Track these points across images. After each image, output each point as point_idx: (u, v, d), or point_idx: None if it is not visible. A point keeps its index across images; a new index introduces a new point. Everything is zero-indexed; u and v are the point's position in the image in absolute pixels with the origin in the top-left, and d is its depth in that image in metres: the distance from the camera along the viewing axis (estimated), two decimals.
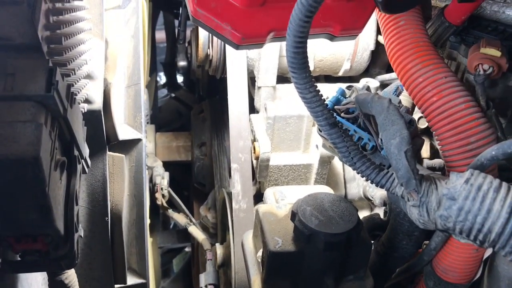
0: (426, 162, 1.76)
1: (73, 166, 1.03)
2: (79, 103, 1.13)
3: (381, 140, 1.02)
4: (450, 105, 1.06)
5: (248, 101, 1.93)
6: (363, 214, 1.91)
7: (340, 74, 2.08)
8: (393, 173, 1.01)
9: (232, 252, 1.90)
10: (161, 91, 3.92)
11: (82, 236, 1.08)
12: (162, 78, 4.05)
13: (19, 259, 1.00)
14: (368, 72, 2.15)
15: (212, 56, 2.04)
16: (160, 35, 3.44)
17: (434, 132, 1.11)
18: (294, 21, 0.86)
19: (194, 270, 2.98)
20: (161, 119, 3.53)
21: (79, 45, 1.17)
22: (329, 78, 2.19)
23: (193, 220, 2.62)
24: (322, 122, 0.99)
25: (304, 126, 1.88)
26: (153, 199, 2.57)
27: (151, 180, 2.59)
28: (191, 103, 3.42)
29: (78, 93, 1.13)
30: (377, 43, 2.00)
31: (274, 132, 1.87)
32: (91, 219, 1.38)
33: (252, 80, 2.04)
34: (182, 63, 2.86)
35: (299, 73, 0.93)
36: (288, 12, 0.88)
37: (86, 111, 1.20)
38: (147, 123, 2.65)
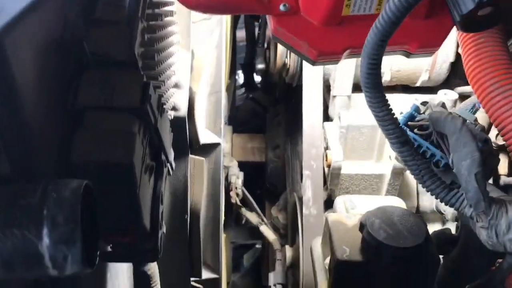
0: (504, 179, 1.71)
1: (160, 169, 1.14)
2: (167, 111, 1.23)
3: (452, 160, 1.03)
4: None
5: (323, 109, 1.97)
6: (435, 227, 1.89)
7: (418, 84, 2.06)
8: (463, 193, 1.01)
9: (301, 255, 1.95)
10: (239, 90, 4.03)
11: (165, 232, 1.18)
12: (240, 77, 4.14)
13: (109, 250, 1.12)
14: (448, 82, 2.11)
15: (289, 65, 2.10)
16: (240, 33, 3.51)
17: (511, 153, 1.09)
18: (369, 44, 0.90)
19: (264, 268, 3.07)
20: (238, 118, 3.64)
21: (169, 58, 1.27)
22: (408, 88, 2.17)
23: (265, 219, 2.70)
24: (393, 140, 1.01)
25: (378, 136, 1.89)
26: (227, 197, 2.68)
27: (226, 179, 2.69)
28: (267, 104, 3.50)
29: (167, 102, 1.24)
30: (458, 54, 1.96)
31: (347, 141, 1.90)
32: (172, 216, 1.49)
33: (327, 88, 2.08)
34: (260, 65, 2.93)
35: (373, 92, 0.96)
36: (364, 30, 0.91)
37: (172, 117, 1.31)
38: (225, 124, 2.76)
